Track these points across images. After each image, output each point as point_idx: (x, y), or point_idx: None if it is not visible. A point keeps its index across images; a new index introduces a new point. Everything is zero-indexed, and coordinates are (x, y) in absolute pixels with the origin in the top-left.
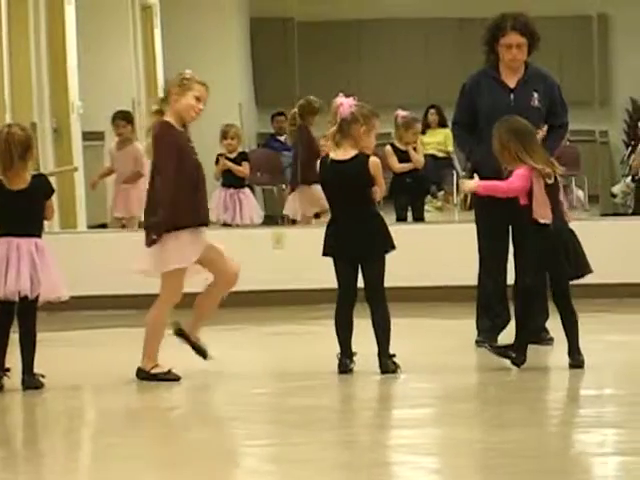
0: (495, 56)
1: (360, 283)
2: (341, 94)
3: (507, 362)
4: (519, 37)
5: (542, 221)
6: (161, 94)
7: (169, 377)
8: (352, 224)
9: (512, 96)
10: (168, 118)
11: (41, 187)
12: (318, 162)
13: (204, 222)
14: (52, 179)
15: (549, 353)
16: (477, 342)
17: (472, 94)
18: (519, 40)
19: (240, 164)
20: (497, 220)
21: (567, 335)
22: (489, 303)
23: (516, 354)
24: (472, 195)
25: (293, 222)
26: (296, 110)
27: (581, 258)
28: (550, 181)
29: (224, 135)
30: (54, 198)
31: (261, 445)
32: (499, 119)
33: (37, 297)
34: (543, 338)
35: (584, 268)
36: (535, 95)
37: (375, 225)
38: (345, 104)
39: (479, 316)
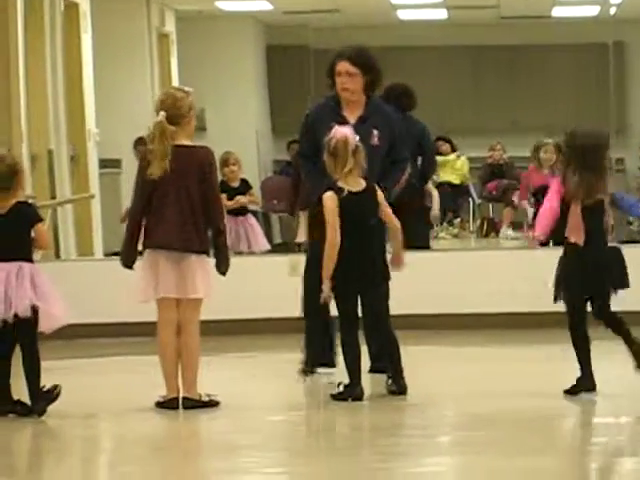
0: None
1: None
2: (336, 125)
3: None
4: (349, 66)
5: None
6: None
7: (214, 403)
8: (363, 254)
9: None
10: (186, 141)
11: (23, 214)
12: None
13: None
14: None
15: (563, 380)
16: None
17: (314, 126)
18: (348, 68)
19: (245, 193)
20: None
21: (579, 360)
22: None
23: None
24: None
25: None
26: None
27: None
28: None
29: (225, 162)
30: (42, 226)
31: (275, 473)
32: None
33: (34, 320)
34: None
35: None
36: (375, 132)
37: (381, 253)
38: (344, 132)
39: None
